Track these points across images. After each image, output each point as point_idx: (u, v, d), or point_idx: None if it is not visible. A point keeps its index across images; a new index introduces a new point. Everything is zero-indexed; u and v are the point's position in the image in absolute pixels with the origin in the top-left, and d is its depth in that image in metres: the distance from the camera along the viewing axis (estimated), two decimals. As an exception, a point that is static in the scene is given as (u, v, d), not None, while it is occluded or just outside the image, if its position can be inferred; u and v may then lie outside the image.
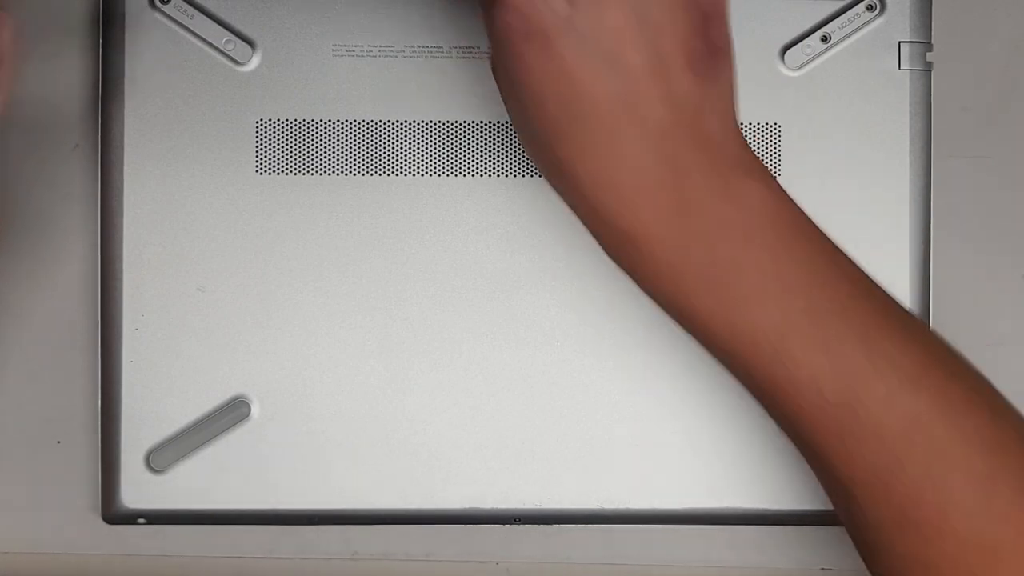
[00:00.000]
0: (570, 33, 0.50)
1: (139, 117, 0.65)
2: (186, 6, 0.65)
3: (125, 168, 0.65)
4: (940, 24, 0.67)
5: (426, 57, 0.66)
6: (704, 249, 0.52)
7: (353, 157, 0.65)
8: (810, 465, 0.56)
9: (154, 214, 0.65)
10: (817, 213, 0.66)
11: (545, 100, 0.51)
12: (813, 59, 0.66)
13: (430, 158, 0.65)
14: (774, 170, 0.66)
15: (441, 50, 0.66)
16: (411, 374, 0.65)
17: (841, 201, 0.66)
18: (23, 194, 0.70)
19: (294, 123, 0.65)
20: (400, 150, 0.65)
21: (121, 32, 0.65)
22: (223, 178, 0.65)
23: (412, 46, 0.66)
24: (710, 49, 0.53)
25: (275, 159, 0.65)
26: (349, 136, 0.65)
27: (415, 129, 0.65)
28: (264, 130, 0.65)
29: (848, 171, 0.66)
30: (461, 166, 0.66)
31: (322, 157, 0.65)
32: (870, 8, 0.66)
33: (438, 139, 0.66)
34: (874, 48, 0.66)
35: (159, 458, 0.65)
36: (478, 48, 0.66)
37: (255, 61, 0.65)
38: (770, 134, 0.66)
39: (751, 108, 0.66)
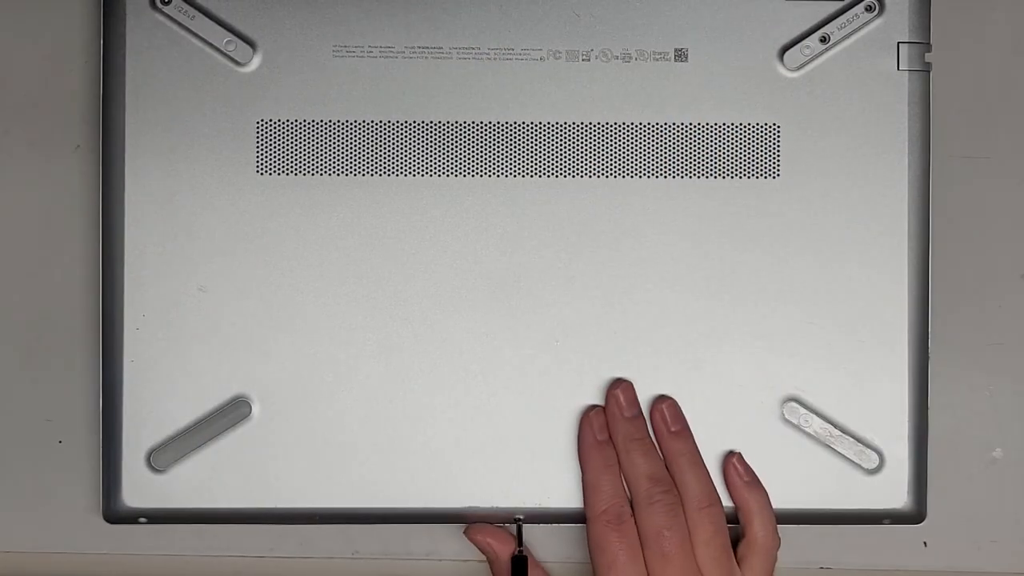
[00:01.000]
0: None
1: (140, 118, 0.65)
2: (187, 7, 0.65)
3: (126, 168, 0.65)
4: (939, 25, 0.67)
5: (426, 57, 0.66)
6: None
7: (353, 157, 0.65)
8: None
9: (155, 214, 0.65)
10: (816, 214, 0.66)
11: None
12: (812, 60, 0.66)
13: (430, 158, 0.66)
14: (772, 171, 0.66)
15: (441, 50, 0.66)
16: (411, 374, 0.65)
17: (840, 201, 0.66)
18: (24, 194, 0.70)
19: (294, 123, 0.65)
20: (400, 150, 0.66)
21: (122, 33, 0.65)
22: (224, 178, 0.65)
23: (412, 46, 0.66)
24: None
25: (275, 159, 0.65)
26: (349, 136, 0.65)
27: (415, 129, 0.66)
28: (264, 130, 0.65)
29: (847, 171, 0.66)
30: (461, 166, 0.66)
31: (322, 157, 0.65)
32: (869, 9, 0.66)
33: (438, 139, 0.66)
34: (873, 49, 0.66)
35: (160, 458, 0.65)
36: (478, 48, 0.66)
37: (256, 62, 0.65)
38: (769, 134, 0.66)
39: (750, 108, 0.66)
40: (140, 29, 0.65)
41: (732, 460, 0.65)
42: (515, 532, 0.67)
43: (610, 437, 0.64)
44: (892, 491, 0.66)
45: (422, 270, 0.65)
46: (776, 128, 0.66)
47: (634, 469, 0.63)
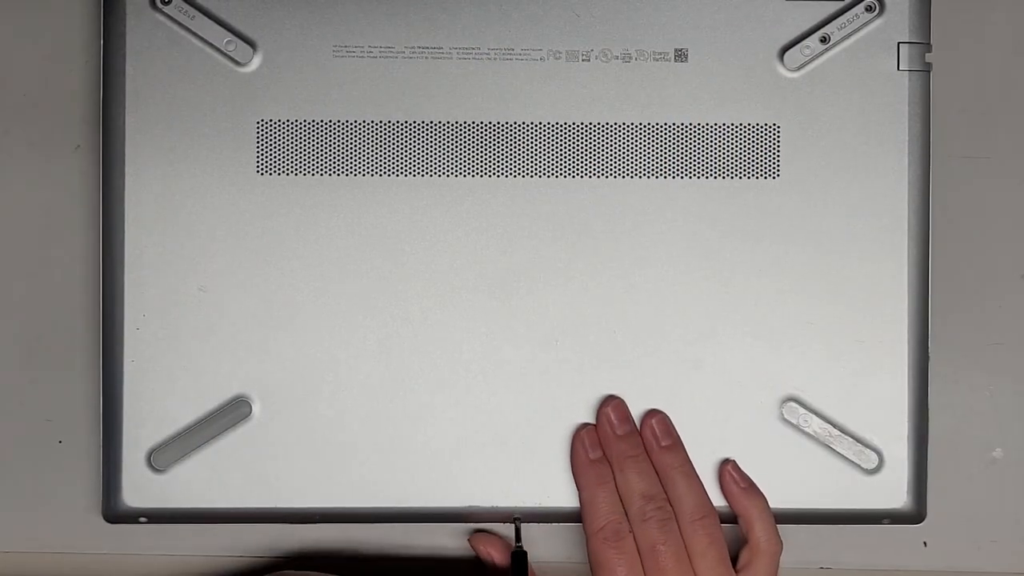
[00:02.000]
0: None
1: (140, 118, 0.65)
2: (187, 7, 0.65)
3: (126, 169, 0.65)
4: (939, 25, 0.67)
5: (426, 57, 0.66)
6: None
7: (353, 157, 0.65)
8: None
9: (155, 214, 0.65)
10: (816, 214, 0.66)
11: None
12: (812, 60, 0.66)
13: (430, 158, 0.66)
14: (772, 171, 0.66)
15: (441, 50, 0.66)
16: (411, 374, 0.65)
17: (840, 201, 0.66)
18: (24, 194, 0.70)
19: (294, 124, 0.65)
20: (400, 150, 0.66)
21: (122, 33, 0.65)
22: (224, 178, 0.65)
23: (412, 46, 0.66)
24: None
25: (276, 159, 0.65)
26: (349, 136, 0.65)
27: (415, 129, 0.66)
28: (265, 130, 0.65)
29: (847, 171, 0.66)
30: (461, 166, 0.66)
31: (322, 157, 0.65)
32: (869, 9, 0.66)
33: (438, 139, 0.66)
34: (873, 49, 0.66)
35: (160, 457, 0.65)
36: (478, 48, 0.66)
37: (256, 62, 0.65)
38: (769, 134, 0.66)
39: (750, 109, 0.66)
40: (140, 29, 0.65)
41: (727, 468, 0.65)
42: (514, 532, 0.67)
43: (604, 454, 0.65)
44: (892, 491, 0.66)
45: (422, 270, 0.65)
46: (776, 128, 0.66)
47: (628, 487, 0.64)
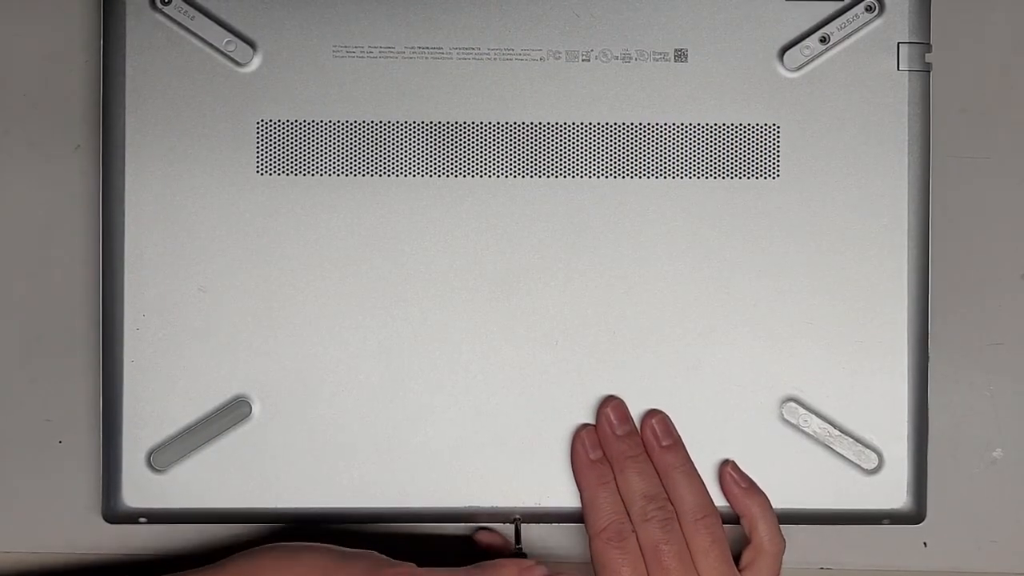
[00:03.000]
0: None
1: (140, 118, 0.65)
2: (187, 7, 0.65)
3: (126, 169, 0.65)
4: (939, 25, 0.67)
5: (426, 58, 0.66)
6: None
7: (353, 158, 0.65)
8: None
9: (155, 214, 0.65)
10: (816, 214, 0.66)
11: None
12: (812, 60, 0.66)
13: (430, 158, 0.66)
14: (772, 171, 0.66)
15: (441, 50, 0.66)
16: (411, 374, 0.65)
17: (840, 202, 0.66)
18: (24, 194, 0.70)
19: (294, 124, 0.65)
20: (400, 151, 0.66)
21: (122, 33, 0.65)
22: (224, 179, 0.65)
23: (412, 47, 0.66)
24: None
25: (275, 160, 0.65)
26: (349, 137, 0.65)
27: (415, 130, 0.66)
28: (265, 131, 0.65)
29: (847, 172, 0.66)
30: (461, 166, 0.66)
31: (322, 158, 0.65)
32: (869, 9, 0.66)
33: (438, 139, 0.66)
34: (873, 49, 0.66)
35: (160, 457, 0.65)
36: (478, 48, 0.66)
37: (256, 62, 0.65)
38: (769, 135, 0.66)
39: (750, 109, 0.66)
40: (140, 29, 0.65)
41: (727, 469, 0.65)
42: (514, 532, 0.67)
43: (604, 454, 0.65)
44: (892, 491, 0.66)
45: (422, 270, 0.65)
46: (776, 128, 0.66)
47: (629, 488, 0.64)
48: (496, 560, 0.63)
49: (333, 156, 0.65)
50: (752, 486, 0.65)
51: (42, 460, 0.70)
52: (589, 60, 0.66)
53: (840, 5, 0.66)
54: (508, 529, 0.69)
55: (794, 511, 0.66)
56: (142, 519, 0.65)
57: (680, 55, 0.66)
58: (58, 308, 0.70)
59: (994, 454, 0.71)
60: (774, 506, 0.65)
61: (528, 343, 0.65)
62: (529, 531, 0.69)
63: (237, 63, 0.65)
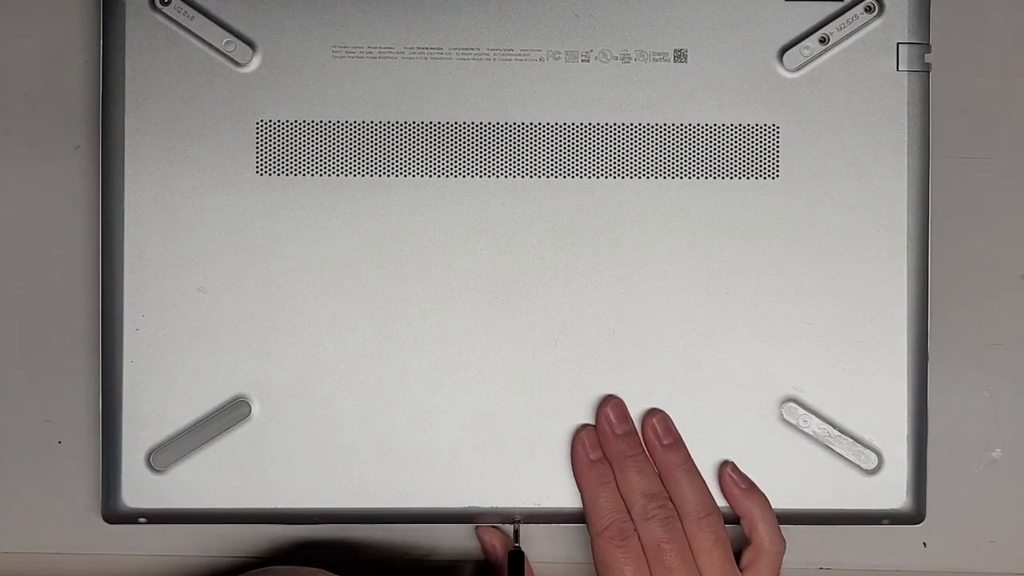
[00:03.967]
0: None
1: (140, 118, 0.65)
2: (186, 7, 0.65)
3: (126, 169, 0.65)
4: (938, 25, 0.67)
5: (426, 58, 0.66)
6: None
7: (353, 158, 0.65)
8: None
9: (155, 215, 0.65)
10: (815, 214, 0.66)
11: None
12: (812, 60, 0.66)
13: (430, 159, 0.66)
14: (772, 171, 0.66)
15: (441, 51, 0.66)
16: (411, 374, 0.65)
17: (840, 202, 0.66)
18: (24, 194, 0.70)
19: (294, 124, 0.65)
20: (399, 151, 0.66)
21: (122, 33, 0.65)
22: (223, 179, 0.65)
23: (412, 47, 0.66)
24: None
25: (275, 160, 0.65)
26: (349, 137, 0.65)
27: (414, 130, 0.66)
28: (264, 131, 0.65)
29: (847, 172, 0.66)
30: (461, 166, 0.66)
31: (322, 158, 0.65)
32: (868, 9, 0.66)
33: (438, 140, 0.66)
34: (872, 49, 0.66)
35: (160, 458, 0.65)
36: (478, 49, 0.66)
37: (255, 62, 0.65)
38: (768, 135, 0.66)
39: (749, 109, 0.66)
40: (140, 29, 0.65)
41: (726, 470, 0.65)
42: (513, 533, 0.67)
43: (604, 454, 0.65)
44: (891, 491, 0.66)
45: (422, 270, 0.65)
46: (775, 128, 0.66)
47: (629, 487, 0.64)
48: None
49: (333, 156, 0.65)
50: (752, 487, 0.65)
51: (42, 460, 0.70)
52: (589, 60, 0.66)
53: (840, 5, 0.66)
54: (508, 529, 0.69)
55: (794, 511, 0.66)
56: (142, 519, 0.65)
57: (680, 55, 0.66)
58: (58, 308, 0.70)
59: (993, 454, 0.71)
60: (774, 506, 0.65)
61: (528, 343, 0.65)
62: (529, 531, 0.69)
63: (237, 63, 0.65)
